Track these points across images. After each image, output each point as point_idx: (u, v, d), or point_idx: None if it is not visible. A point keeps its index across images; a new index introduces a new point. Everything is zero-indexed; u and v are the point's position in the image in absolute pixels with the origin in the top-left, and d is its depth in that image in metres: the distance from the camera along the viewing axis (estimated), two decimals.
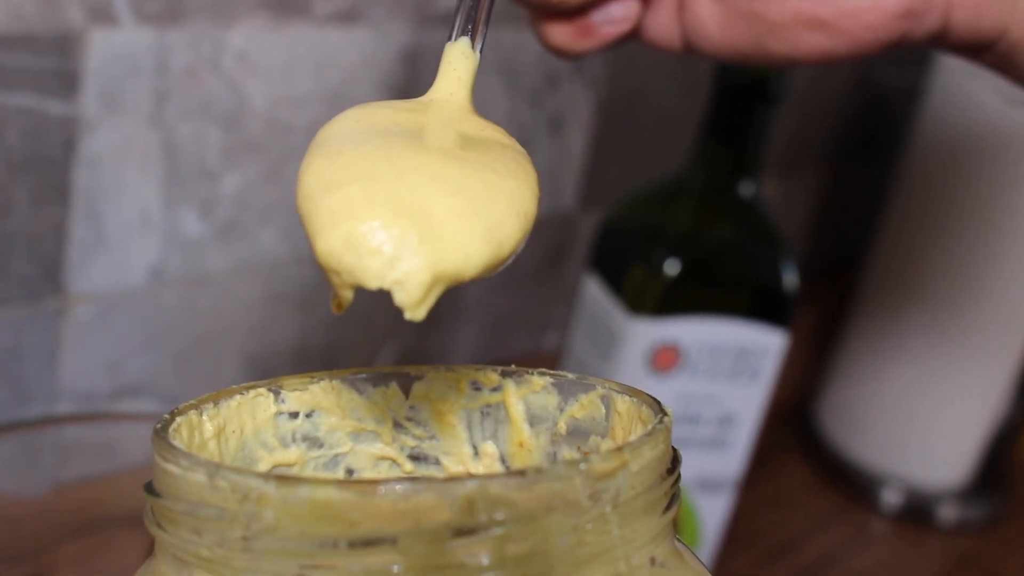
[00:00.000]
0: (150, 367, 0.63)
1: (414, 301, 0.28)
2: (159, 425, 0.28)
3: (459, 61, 0.34)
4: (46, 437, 0.53)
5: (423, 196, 0.28)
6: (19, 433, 0.51)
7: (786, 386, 0.75)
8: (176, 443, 0.28)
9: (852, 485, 0.80)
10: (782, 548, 0.74)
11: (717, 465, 0.62)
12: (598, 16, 0.41)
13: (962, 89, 0.73)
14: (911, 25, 0.38)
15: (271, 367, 0.68)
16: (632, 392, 0.30)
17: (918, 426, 0.79)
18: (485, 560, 0.24)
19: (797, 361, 0.83)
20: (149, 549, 0.50)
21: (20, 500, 0.53)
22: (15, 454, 0.51)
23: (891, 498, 0.79)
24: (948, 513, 0.79)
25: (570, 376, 0.32)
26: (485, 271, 0.29)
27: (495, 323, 0.80)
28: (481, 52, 0.34)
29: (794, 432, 0.85)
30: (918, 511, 0.79)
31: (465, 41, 0.34)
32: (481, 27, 0.34)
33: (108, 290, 0.59)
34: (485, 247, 0.29)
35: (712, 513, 0.64)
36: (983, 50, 0.39)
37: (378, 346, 0.73)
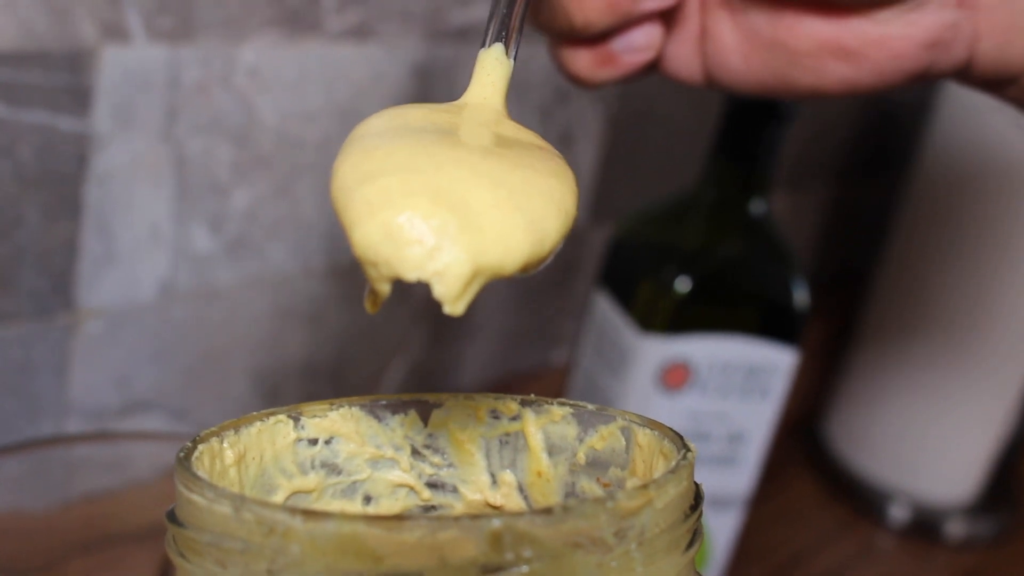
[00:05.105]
0: (159, 382, 0.63)
1: (454, 294, 0.27)
2: (182, 454, 0.28)
3: (493, 67, 0.34)
4: (55, 454, 0.53)
5: (463, 188, 0.28)
6: (28, 451, 0.51)
7: (794, 401, 0.75)
8: (200, 473, 0.27)
9: (859, 500, 0.80)
10: (790, 563, 0.74)
11: (727, 483, 0.62)
12: (620, 44, 0.40)
13: (971, 105, 0.73)
14: (937, 56, 0.38)
15: (279, 382, 0.68)
16: (654, 425, 0.30)
17: (926, 442, 0.79)
18: None
19: (805, 375, 0.83)
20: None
21: (29, 516, 0.53)
22: (24, 470, 0.51)
23: (898, 513, 0.79)
24: (955, 529, 0.79)
25: (590, 407, 0.32)
26: (525, 267, 0.28)
27: (504, 338, 0.80)
28: (515, 59, 0.34)
29: (802, 447, 0.85)
30: (925, 527, 0.79)
31: (499, 47, 0.34)
32: (515, 34, 0.34)
33: (118, 305, 0.59)
34: (526, 241, 0.28)
35: (721, 530, 0.64)
36: (1008, 83, 0.39)
37: (387, 361, 0.73)
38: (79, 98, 0.54)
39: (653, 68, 0.43)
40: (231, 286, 0.63)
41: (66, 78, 0.53)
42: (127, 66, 0.55)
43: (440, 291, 0.27)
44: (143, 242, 0.59)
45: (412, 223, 0.27)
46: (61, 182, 0.55)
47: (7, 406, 0.58)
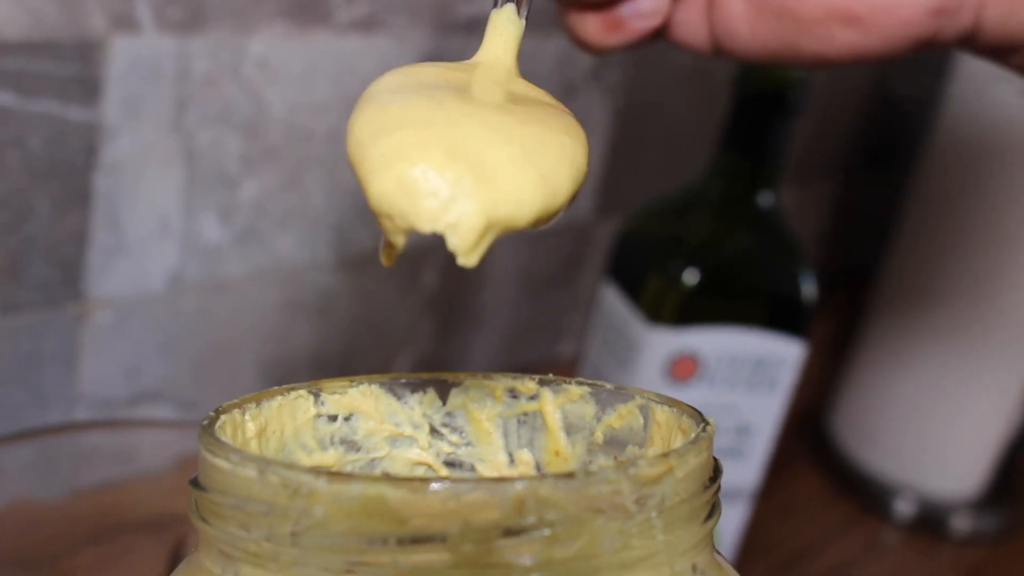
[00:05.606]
0: (168, 373, 0.63)
1: (468, 245, 0.27)
2: (205, 422, 0.28)
3: (505, 27, 0.34)
4: (64, 443, 0.53)
5: (476, 142, 0.29)
6: (37, 439, 0.51)
7: (800, 396, 0.75)
8: (223, 439, 0.28)
9: (865, 495, 0.80)
10: (795, 558, 0.74)
11: (734, 475, 0.62)
12: (628, 9, 0.40)
13: (978, 98, 0.73)
14: (943, 23, 0.38)
15: (288, 373, 0.68)
16: (672, 403, 0.30)
17: (932, 436, 0.79)
18: (532, 561, 0.24)
19: (811, 371, 0.83)
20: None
21: (38, 506, 0.53)
22: (34, 460, 0.51)
23: (904, 508, 0.79)
24: (961, 524, 0.79)
25: (608, 386, 0.32)
26: (537, 220, 0.29)
27: (511, 330, 0.80)
28: (526, 19, 0.34)
29: (808, 441, 0.85)
30: (931, 521, 0.79)
31: (511, 8, 0.34)
32: None
33: (127, 296, 0.59)
34: (539, 194, 0.29)
35: (729, 523, 0.64)
36: (1012, 51, 0.39)
37: (395, 354, 0.73)
38: (88, 88, 0.54)
39: (660, 35, 0.43)
40: (240, 277, 0.63)
41: (76, 68, 0.53)
42: (136, 57, 0.55)
43: (454, 242, 0.27)
44: (152, 233, 0.59)
45: (427, 176, 0.28)
46: (70, 173, 0.55)
47: (16, 397, 0.58)
